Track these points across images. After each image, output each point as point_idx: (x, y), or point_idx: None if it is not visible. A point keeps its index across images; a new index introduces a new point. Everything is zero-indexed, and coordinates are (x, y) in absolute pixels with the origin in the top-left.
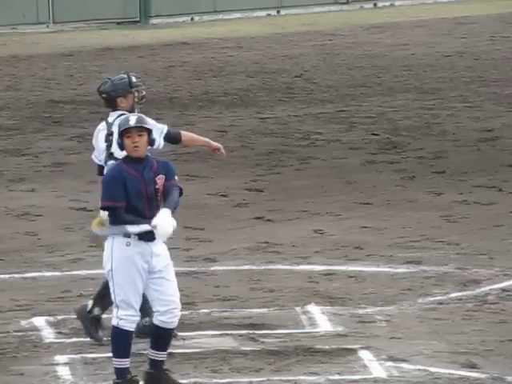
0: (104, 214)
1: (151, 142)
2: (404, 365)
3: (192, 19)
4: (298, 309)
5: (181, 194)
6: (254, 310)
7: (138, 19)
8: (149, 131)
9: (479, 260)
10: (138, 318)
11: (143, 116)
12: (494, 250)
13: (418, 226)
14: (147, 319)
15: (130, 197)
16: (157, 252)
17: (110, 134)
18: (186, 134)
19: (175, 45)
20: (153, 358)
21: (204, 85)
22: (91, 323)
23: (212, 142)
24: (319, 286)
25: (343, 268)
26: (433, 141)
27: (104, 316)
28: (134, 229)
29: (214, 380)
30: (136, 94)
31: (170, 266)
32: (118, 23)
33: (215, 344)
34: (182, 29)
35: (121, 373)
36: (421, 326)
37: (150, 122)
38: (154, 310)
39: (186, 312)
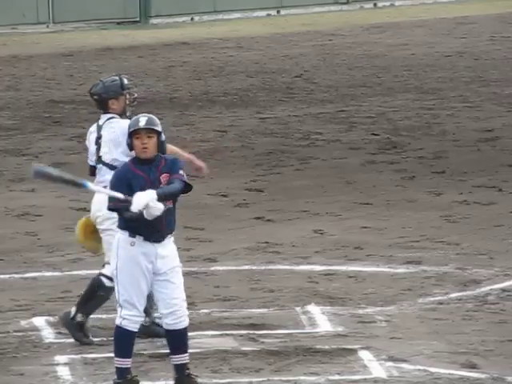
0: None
1: (161, 143)
2: (404, 365)
3: (192, 19)
4: (298, 309)
5: (189, 188)
6: (253, 310)
7: (137, 19)
8: (158, 133)
9: (479, 260)
10: (141, 319)
11: (154, 117)
12: (493, 250)
13: (417, 225)
14: (147, 319)
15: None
16: (162, 253)
17: (99, 138)
18: (170, 148)
19: (175, 45)
20: (173, 362)
21: (204, 85)
22: (76, 329)
23: (196, 160)
24: (319, 286)
25: (343, 268)
26: (433, 141)
27: (104, 316)
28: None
29: (214, 380)
30: (128, 96)
31: (178, 268)
32: (118, 23)
33: (215, 344)
34: (182, 29)
35: (122, 373)
36: (421, 326)
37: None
38: (159, 312)
39: (186, 312)
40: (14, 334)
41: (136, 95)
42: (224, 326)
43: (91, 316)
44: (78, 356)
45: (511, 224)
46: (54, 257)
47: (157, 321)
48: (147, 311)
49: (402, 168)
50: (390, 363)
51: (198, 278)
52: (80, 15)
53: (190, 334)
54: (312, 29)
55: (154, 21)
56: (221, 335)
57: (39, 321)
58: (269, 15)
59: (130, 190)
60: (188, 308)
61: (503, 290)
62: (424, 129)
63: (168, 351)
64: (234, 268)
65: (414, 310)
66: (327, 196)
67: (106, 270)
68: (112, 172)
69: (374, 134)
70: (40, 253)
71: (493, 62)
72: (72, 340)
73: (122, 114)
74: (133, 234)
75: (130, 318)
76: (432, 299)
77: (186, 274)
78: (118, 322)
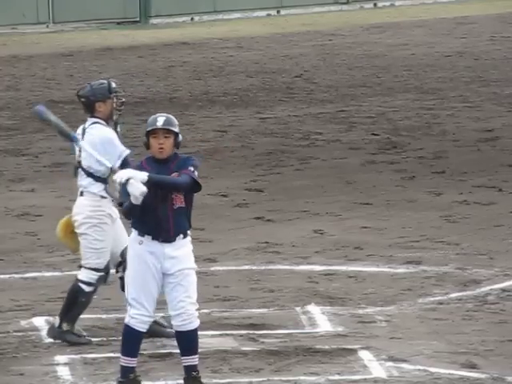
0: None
1: (177, 144)
2: (404, 365)
3: (192, 19)
4: (298, 309)
5: (197, 187)
6: (253, 310)
7: (137, 19)
8: (175, 134)
9: (479, 260)
10: (149, 319)
11: (172, 118)
12: (493, 250)
13: (418, 225)
14: None
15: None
16: (171, 254)
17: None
18: None
19: (175, 45)
20: (182, 363)
21: (204, 85)
22: (67, 335)
23: None
24: (319, 286)
25: (343, 268)
26: (433, 141)
27: (104, 316)
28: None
29: (214, 380)
30: (115, 99)
31: (189, 270)
32: (118, 23)
33: (215, 344)
34: (182, 29)
35: (125, 372)
36: (421, 326)
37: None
38: (168, 312)
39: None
40: (14, 334)
41: (124, 100)
42: (224, 325)
43: (91, 316)
44: (78, 356)
45: (511, 224)
46: (53, 257)
47: (159, 321)
48: None
49: (402, 168)
50: (390, 363)
51: (198, 278)
52: (80, 15)
53: None
54: (312, 29)
55: (153, 21)
56: (221, 335)
57: (39, 321)
58: (269, 15)
59: None
60: None
61: (503, 290)
62: (424, 129)
63: (168, 351)
64: (233, 268)
65: (414, 310)
66: (327, 196)
67: (82, 275)
68: (89, 178)
69: (374, 134)
70: (40, 253)
71: (493, 62)
72: None
73: (109, 118)
74: (141, 233)
75: (137, 317)
76: (432, 299)
77: None
78: (126, 320)
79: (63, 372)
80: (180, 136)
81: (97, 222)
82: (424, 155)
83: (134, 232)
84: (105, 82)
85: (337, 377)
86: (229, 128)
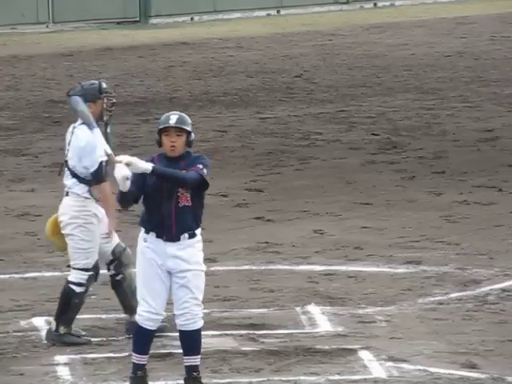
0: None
1: (189, 143)
2: (404, 365)
3: (192, 19)
4: (298, 309)
5: (205, 185)
6: (253, 310)
7: (137, 19)
8: (188, 132)
9: (479, 260)
10: (157, 317)
11: (185, 116)
12: (494, 250)
13: (418, 225)
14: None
15: (147, 192)
16: (174, 253)
17: (69, 142)
18: (103, 189)
19: (175, 45)
20: (184, 363)
21: (204, 85)
22: (65, 338)
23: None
24: (319, 286)
25: (343, 268)
26: (433, 141)
27: (104, 316)
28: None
29: (214, 380)
30: (105, 100)
31: (195, 271)
32: (118, 23)
33: (215, 344)
34: (182, 29)
35: (136, 368)
36: (421, 326)
37: (189, 122)
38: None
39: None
40: (14, 334)
41: (115, 100)
42: (224, 325)
43: (91, 316)
44: (78, 356)
45: (511, 224)
46: (53, 257)
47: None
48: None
49: (402, 168)
50: (390, 363)
51: None
52: (80, 15)
53: None
54: (312, 29)
55: (153, 21)
56: (221, 335)
57: (39, 321)
58: (269, 15)
59: (145, 178)
60: None
61: (503, 290)
62: (424, 129)
63: (168, 351)
64: (234, 268)
65: (414, 310)
66: (327, 196)
67: (72, 277)
68: (73, 179)
69: (374, 134)
70: (40, 253)
71: (493, 62)
72: None
73: (99, 119)
74: (147, 230)
75: (144, 314)
76: (432, 299)
77: None
78: (135, 318)
79: (63, 372)
80: (192, 135)
81: (82, 223)
82: (424, 155)
83: (141, 229)
84: (96, 82)
85: (337, 377)
86: (229, 128)
